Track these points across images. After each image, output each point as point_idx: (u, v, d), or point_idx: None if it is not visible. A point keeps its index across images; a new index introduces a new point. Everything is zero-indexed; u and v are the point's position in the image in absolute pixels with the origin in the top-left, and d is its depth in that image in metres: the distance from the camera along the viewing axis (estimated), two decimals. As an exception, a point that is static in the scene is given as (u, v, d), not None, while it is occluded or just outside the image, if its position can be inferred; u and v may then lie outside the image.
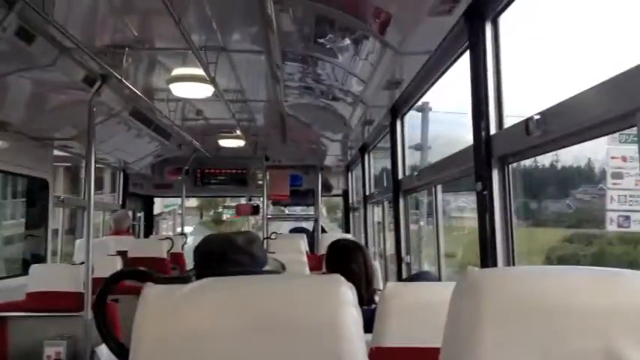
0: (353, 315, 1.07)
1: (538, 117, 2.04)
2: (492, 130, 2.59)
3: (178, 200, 10.73)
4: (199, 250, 1.75)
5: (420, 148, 5.91)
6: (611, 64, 1.80)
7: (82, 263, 3.70)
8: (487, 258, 2.48)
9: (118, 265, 4.26)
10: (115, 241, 5.91)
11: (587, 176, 3.65)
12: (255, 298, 1.04)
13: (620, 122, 1.72)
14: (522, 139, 2.20)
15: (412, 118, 5.28)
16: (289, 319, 1.02)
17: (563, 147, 2.10)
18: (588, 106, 1.84)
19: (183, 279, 1.09)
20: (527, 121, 2.11)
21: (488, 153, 2.55)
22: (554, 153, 3.04)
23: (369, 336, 1.79)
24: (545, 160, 3.69)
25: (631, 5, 1.92)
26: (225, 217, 25.01)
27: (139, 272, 1.48)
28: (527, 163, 3.62)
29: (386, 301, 1.85)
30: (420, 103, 4.27)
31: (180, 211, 9.26)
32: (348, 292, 1.08)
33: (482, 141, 2.58)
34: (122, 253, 5.23)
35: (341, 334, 1.04)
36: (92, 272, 3.54)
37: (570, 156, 3.53)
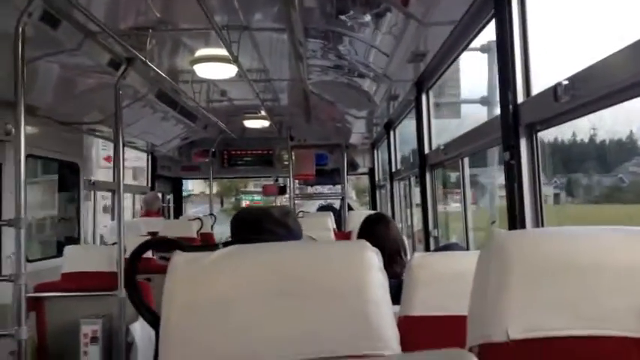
0: (379, 278, 1.08)
1: (566, 82, 2.00)
2: (520, 99, 2.54)
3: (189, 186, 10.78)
4: (237, 220, 1.80)
5: (486, 102, 4.89)
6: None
7: (115, 244, 3.78)
8: (516, 226, 2.45)
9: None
10: (146, 223, 6.03)
11: (633, 149, 3.52)
12: (281, 263, 1.05)
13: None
14: (550, 106, 2.15)
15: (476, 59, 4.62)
16: (315, 283, 1.03)
17: (592, 112, 2.05)
18: (617, 69, 1.80)
19: (212, 247, 1.11)
20: (555, 87, 2.07)
21: (515, 122, 2.51)
22: (591, 127, 2.97)
23: (397, 307, 1.81)
24: (583, 134, 3.56)
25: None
26: (244, 203, 22.86)
27: (167, 241, 1.51)
28: (567, 137, 3.50)
29: (412, 271, 1.85)
30: (485, 42, 3.87)
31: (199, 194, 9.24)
32: (373, 257, 1.09)
33: (510, 110, 2.54)
34: (153, 234, 5.33)
35: (367, 297, 1.04)
36: (124, 252, 3.62)
37: (605, 130, 3.42)
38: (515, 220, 2.46)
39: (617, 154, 3.63)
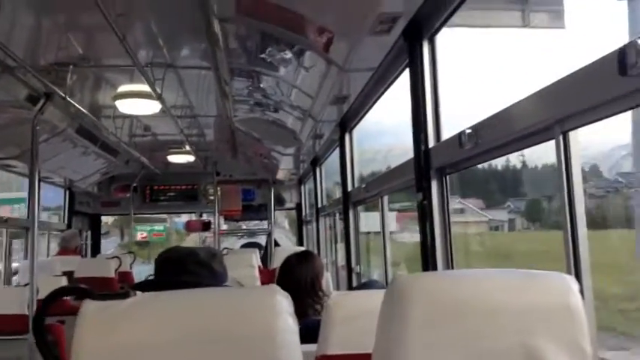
0: (289, 323, 1.11)
1: (469, 130, 2.16)
2: (431, 143, 2.70)
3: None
4: (160, 259, 1.78)
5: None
6: (533, 80, 1.94)
7: (27, 285, 3.62)
8: (428, 264, 2.58)
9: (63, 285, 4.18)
10: (62, 262, 5.77)
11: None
12: (192, 311, 1.07)
13: (542, 135, 1.85)
14: (456, 151, 2.31)
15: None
16: (226, 331, 1.06)
17: (494, 158, 2.22)
18: (513, 119, 1.97)
19: (122, 295, 1.12)
20: (460, 135, 2.23)
21: (427, 165, 2.66)
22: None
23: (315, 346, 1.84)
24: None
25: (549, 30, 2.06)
26: (139, 235, 15.73)
27: (76, 289, 1.48)
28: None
29: (330, 310, 1.90)
30: None
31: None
32: (283, 302, 1.13)
33: (422, 153, 2.69)
34: (68, 274, 5.11)
35: (276, 343, 1.08)
36: (37, 294, 3.46)
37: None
38: (428, 260, 2.59)
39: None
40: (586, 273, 1.74)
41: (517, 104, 1.95)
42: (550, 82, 1.72)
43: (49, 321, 3.44)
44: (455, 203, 5.10)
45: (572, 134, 1.70)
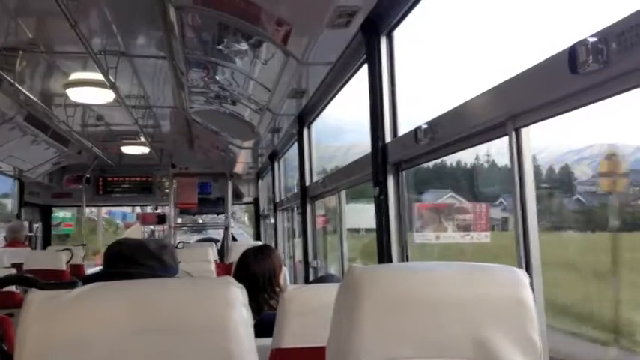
0: (242, 315, 1.10)
1: (425, 126, 2.19)
2: (387, 139, 2.72)
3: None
4: (109, 252, 1.74)
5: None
6: (488, 77, 1.97)
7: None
8: (384, 257, 2.60)
9: (11, 278, 4.03)
10: (10, 253, 5.56)
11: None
12: (142, 301, 1.05)
13: (496, 131, 1.88)
14: (413, 147, 2.33)
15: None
16: (177, 321, 1.04)
17: (449, 154, 2.25)
18: (468, 115, 2.00)
19: (70, 284, 1.08)
20: (416, 130, 2.25)
21: (384, 160, 2.67)
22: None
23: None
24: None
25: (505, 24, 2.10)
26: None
27: (22, 278, 1.43)
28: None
29: (284, 303, 1.89)
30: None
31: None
32: (237, 293, 1.11)
33: (379, 149, 2.71)
34: (18, 266, 4.94)
35: (229, 334, 1.06)
36: (-19, 287, 3.33)
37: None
38: (384, 253, 2.61)
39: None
40: (537, 268, 1.78)
41: (472, 100, 1.98)
42: (503, 79, 1.76)
43: (-3, 314, 3.33)
44: (447, 198, 5.03)
45: (524, 131, 1.73)
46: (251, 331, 1.12)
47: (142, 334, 1.01)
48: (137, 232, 14.11)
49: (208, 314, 1.06)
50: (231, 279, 1.14)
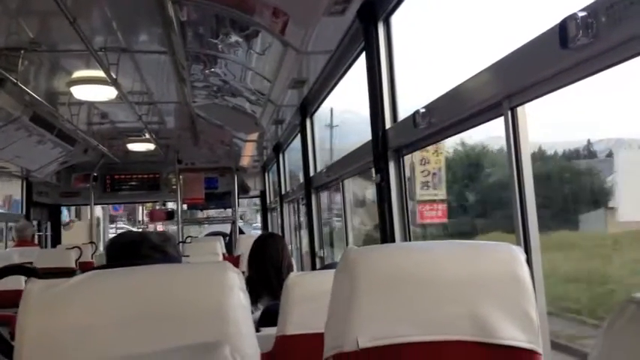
0: (240, 299, 1.11)
1: (423, 110, 2.19)
2: (387, 125, 2.72)
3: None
4: (112, 244, 1.75)
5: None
6: (483, 58, 1.96)
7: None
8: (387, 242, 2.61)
9: (21, 277, 4.07)
10: (20, 253, 5.62)
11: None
12: (141, 287, 1.06)
13: (492, 111, 1.88)
14: (411, 132, 2.34)
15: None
16: (176, 306, 1.05)
17: (447, 137, 2.25)
18: (464, 96, 2.00)
19: (69, 274, 1.09)
20: (414, 114, 2.25)
21: (384, 146, 2.68)
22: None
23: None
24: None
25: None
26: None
27: (21, 268, 1.45)
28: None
29: (288, 290, 1.90)
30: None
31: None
32: (234, 277, 1.12)
33: (379, 135, 2.71)
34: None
35: (228, 318, 1.07)
36: (-8, 285, 3.37)
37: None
38: (387, 238, 2.62)
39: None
40: (535, 248, 1.78)
41: (467, 82, 1.97)
42: (498, 58, 1.75)
43: (5, 312, 3.38)
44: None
45: (519, 110, 1.73)
46: (249, 315, 1.13)
47: (141, 320, 1.02)
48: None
49: (206, 299, 1.07)
50: (228, 264, 1.15)
